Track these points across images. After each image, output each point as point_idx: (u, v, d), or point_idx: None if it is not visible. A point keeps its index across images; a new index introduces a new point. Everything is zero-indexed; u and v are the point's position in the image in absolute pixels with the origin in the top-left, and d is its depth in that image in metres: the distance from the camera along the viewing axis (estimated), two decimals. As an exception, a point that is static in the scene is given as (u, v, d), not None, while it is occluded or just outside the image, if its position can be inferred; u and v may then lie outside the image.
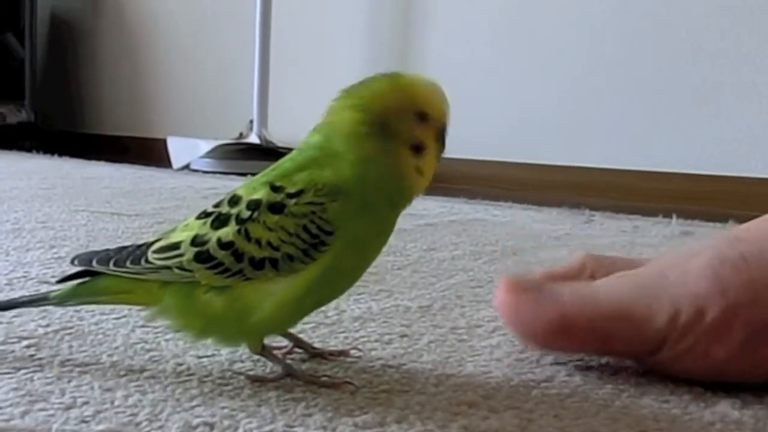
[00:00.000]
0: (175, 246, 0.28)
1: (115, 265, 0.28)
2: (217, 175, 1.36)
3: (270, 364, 0.29)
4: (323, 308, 0.38)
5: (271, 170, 0.28)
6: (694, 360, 0.28)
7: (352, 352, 0.31)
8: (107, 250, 0.29)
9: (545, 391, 0.28)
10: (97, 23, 2.13)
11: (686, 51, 1.16)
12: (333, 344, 0.33)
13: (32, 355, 0.29)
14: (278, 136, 1.58)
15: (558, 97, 1.30)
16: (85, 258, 0.29)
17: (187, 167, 1.51)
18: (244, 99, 1.64)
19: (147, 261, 0.28)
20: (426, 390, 0.27)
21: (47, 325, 0.33)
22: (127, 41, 2.06)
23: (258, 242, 0.26)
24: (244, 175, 1.32)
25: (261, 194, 0.27)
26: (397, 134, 0.27)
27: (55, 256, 0.50)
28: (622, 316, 0.29)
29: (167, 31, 1.97)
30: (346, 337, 0.34)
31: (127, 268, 0.28)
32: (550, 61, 1.31)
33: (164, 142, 1.58)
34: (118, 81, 2.09)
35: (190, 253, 0.27)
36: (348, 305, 0.40)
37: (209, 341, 0.29)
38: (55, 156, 1.66)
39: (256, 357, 0.29)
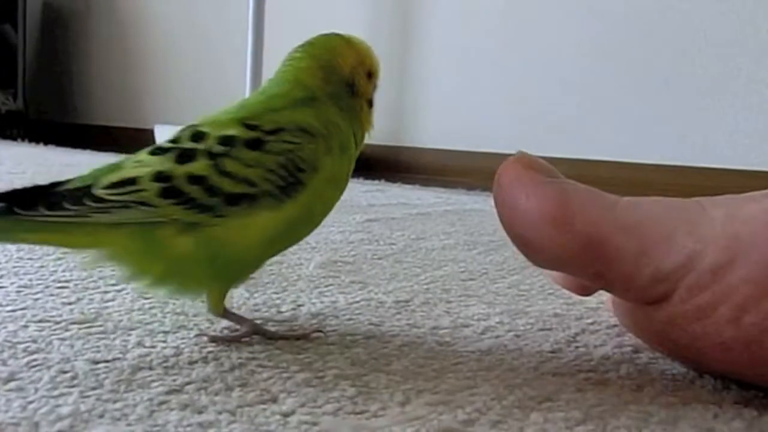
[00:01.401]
0: (131, 181, 0.24)
1: (49, 209, 0.24)
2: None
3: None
4: (277, 302, 0.32)
5: (236, 110, 0.27)
6: (716, 327, 0.21)
7: (313, 335, 0.27)
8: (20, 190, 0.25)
9: (547, 415, 0.21)
10: (88, 13, 2.07)
11: (698, 40, 1.10)
12: (278, 346, 0.26)
13: None
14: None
15: (561, 89, 1.23)
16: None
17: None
18: (237, 89, 1.58)
19: (97, 199, 0.24)
20: (387, 411, 0.20)
21: None
22: (118, 31, 2.00)
23: (234, 177, 0.25)
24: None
25: (234, 131, 0.26)
26: (359, 91, 0.29)
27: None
28: (631, 231, 0.22)
29: (159, 21, 1.91)
30: (297, 338, 0.27)
31: (68, 210, 0.24)
32: (552, 52, 1.24)
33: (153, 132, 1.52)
34: (109, 71, 2.03)
35: (153, 189, 0.24)
36: (309, 298, 0.33)
37: (167, 289, 0.26)
38: (41, 145, 1.60)
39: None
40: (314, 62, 0.28)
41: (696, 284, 0.22)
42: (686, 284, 0.22)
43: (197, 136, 0.26)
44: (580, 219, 0.23)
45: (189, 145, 0.25)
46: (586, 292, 0.29)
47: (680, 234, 0.22)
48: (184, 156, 0.25)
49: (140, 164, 0.25)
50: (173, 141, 0.26)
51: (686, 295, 0.22)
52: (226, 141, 0.25)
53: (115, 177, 0.25)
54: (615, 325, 0.31)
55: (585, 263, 0.23)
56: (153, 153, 0.26)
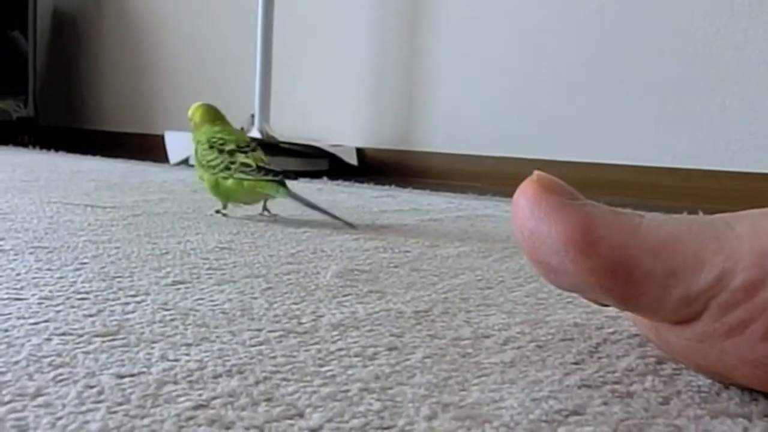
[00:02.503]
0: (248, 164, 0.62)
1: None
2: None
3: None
4: (297, 313, 0.32)
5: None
6: (747, 344, 0.21)
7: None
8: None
9: (576, 429, 0.21)
10: (99, 19, 2.08)
11: (708, 43, 1.09)
12: (302, 359, 0.26)
13: None
14: (280, 131, 1.52)
15: (570, 92, 1.23)
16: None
17: (185, 162, 1.45)
18: (246, 94, 1.59)
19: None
20: (415, 426, 0.20)
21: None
22: (129, 37, 2.01)
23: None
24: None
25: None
26: None
27: (0, 249, 0.44)
28: (658, 253, 0.22)
29: (169, 26, 1.92)
30: (319, 350, 0.27)
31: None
32: (561, 56, 1.24)
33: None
34: (119, 77, 2.04)
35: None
36: (328, 309, 0.33)
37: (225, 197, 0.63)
38: (51, 151, 1.61)
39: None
40: None
41: (727, 303, 0.21)
42: (717, 303, 0.22)
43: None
44: (605, 243, 0.23)
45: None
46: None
47: (708, 252, 0.22)
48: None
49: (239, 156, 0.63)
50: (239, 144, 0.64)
51: (717, 314, 0.22)
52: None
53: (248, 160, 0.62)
54: (636, 335, 0.31)
55: (611, 287, 0.23)
56: (243, 151, 0.64)
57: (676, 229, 0.23)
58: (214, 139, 0.65)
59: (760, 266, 0.21)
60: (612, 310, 0.34)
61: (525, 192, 0.25)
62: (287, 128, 1.56)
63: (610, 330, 0.32)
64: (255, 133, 1.48)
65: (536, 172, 0.25)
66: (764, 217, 0.23)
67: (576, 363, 0.27)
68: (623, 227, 0.23)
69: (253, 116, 1.51)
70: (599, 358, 0.28)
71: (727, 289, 0.21)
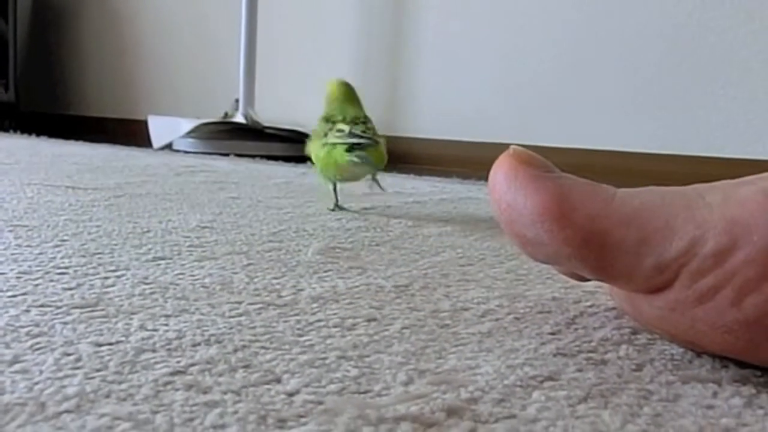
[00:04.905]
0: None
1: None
2: (199, 155, 1.28)
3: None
4: (278, 287, 0.32)
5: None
6: (717, 310, 0.22)
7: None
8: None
9: (549, 393, 0.21)
10: (81, 3, 2.05)
11: (691, 29, 1.10)
12: (280, 329, 0.26)
13: None
14: (264, 116, 1.51)
15: (555, 79, 1.24)
16: None
17: (169, 147, 1.44)
18: (230, 78, 1.58)
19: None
20: (391, 391, 0.21)
21: None
22: (111, 22, 1.99)
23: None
24: (227, 155, 1.25)
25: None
26: None
27: (-22, 227, 0.43)
28: (630, 222, 0.23)
29: (152, 10, 1.89)
30: (298, 321, 0.27)
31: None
32: (546, 41, 1.24)
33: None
34: (101, 62, 2.01)
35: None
36: (308, 283, 0.33)
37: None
38: (33, 136, 1.59)
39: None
40: None
41: (698, 270, 0.22)
42: (688, 271, 0.22)
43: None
44: (579, 214, 0.23)
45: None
46: (583, 278, 0.29)
47: (680, 221, 0.22)
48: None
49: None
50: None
51: (688, 282, 0.22)
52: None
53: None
54: (613, 308, 0.31)
55: (586, 257, 0.23)
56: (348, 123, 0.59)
57: (648, 199, 0.23)
58: (331, 114, 0.62)
59: (729, 234, 0.21)
60: (590, 285, 0.35)
61: (501, 166, 0.25)
62: (272, 113, 1.55)
63: (588, 303, 0.32)
64: (239, 118, 1.47)
65: (512, 147, 0.26)
66: (735, 187, 0.23)
67: (552, 333, 0.27)
68: (597, 198, 0.23)
69: (237, 101, 1.50)
70: (576, 329, 0.28)
71: (697, 256, 0.22)
